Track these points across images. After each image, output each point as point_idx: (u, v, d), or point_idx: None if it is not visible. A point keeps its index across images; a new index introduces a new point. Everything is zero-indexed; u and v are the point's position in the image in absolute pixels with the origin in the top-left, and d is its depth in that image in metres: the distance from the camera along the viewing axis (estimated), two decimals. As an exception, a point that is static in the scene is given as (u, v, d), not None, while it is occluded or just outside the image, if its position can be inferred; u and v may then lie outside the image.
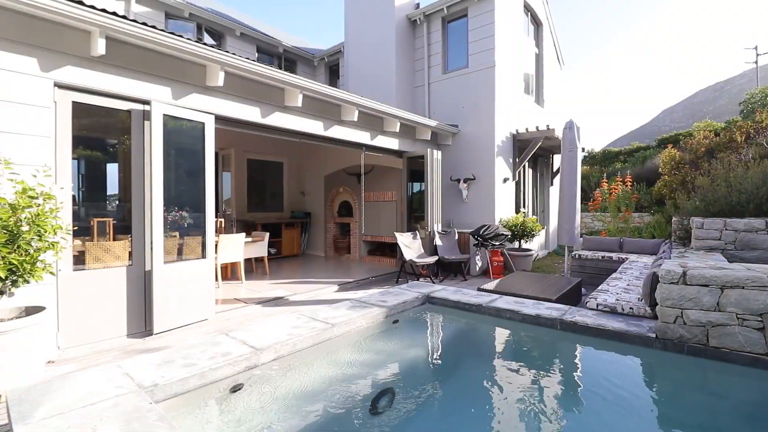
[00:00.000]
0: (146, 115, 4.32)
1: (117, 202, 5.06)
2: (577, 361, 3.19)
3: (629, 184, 10.26)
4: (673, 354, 2.89)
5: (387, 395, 2.74)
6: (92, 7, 3.57)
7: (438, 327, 3.88)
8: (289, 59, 11.66)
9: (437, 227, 7.97)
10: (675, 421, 2.51)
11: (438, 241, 7.68)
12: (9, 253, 2.92)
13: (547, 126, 8.47)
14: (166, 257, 4.42)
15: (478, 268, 7.94)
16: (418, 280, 7.22)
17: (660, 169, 10.48)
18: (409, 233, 7.53)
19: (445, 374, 3.12)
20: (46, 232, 3.12)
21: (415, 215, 8.50)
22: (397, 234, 7.26)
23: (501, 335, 3.66)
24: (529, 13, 10.17)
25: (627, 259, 6.29)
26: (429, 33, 9.33)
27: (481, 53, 8.43)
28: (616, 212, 9.63)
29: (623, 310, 3.41)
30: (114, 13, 3.71)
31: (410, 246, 7.29)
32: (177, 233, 4.71)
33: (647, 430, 2.38)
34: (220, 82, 4.65)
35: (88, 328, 3.98)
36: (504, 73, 8.53)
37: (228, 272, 7.27)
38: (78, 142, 4.05)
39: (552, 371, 3.12)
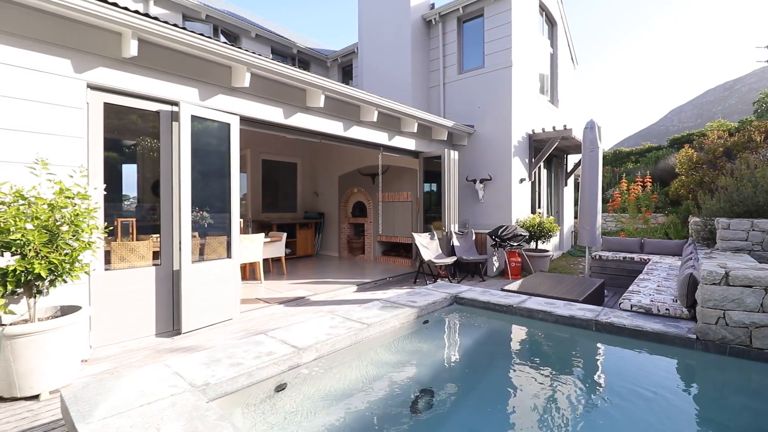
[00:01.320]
0: (174, 116, 4.34)
1: (137, 203, 5.10)
2: (617, 361, 3.16)
3: (648, 184, 10.18)
4: (714, 355, 2.85)
5: (426, 395, 2.73)
6: (125, 8, 3.60)
7: (469, 328, 3.86)
8: (302, 60, 11.70)
9: (454, 228, 7.95)
10: (720, 423, 2.48)
11: (455, 242, 7.66)
12: (49, 252, 2.94)
13: (564, 126, 8.42)
14: (193, 257, 4.44)
15: (495, 269, 7.91)
16: (435, 280, 7.20)
17: (677, 169, 10.39)
18: (427, 234, 7.51)
19: (481, 375, 3.10)
20: (83, 231, 3.15)
21: (428, 215, 8.49)
22: (415, 234, 7.25)
23: (534, 336, 3.64)
24: (544, 13, 10.13)
25: (649, 260, 6.23)
26: (444, 33, 9.31)
27: (497, 53, 8.40)
28: (636, 213, 9.56)
29: (659, 311, 3.38)
30: (147, 15, 3.74)
31: (428, 246, 7.27)
32: (201, 233, 4.73)
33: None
34: (246, 83, 4.67)
35: (118, 328, 4.00)
36: (521, 73, 8.50)
37: (246, 272, 7.29)
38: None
39: (591, 372, 3.09)
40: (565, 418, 2.48)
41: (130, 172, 5.11)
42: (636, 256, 6.47)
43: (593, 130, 6.23)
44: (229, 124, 4.78)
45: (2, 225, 2.77)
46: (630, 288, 4.16)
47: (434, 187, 8.47)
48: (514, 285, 5.06)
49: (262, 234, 6.91)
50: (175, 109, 4.34)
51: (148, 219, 4.86)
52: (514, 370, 3.13)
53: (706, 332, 2.89)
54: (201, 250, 4.72)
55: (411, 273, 7.97)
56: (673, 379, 2.94)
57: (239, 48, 4.51)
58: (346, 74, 12.15)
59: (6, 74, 3.25)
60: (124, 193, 5.25)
